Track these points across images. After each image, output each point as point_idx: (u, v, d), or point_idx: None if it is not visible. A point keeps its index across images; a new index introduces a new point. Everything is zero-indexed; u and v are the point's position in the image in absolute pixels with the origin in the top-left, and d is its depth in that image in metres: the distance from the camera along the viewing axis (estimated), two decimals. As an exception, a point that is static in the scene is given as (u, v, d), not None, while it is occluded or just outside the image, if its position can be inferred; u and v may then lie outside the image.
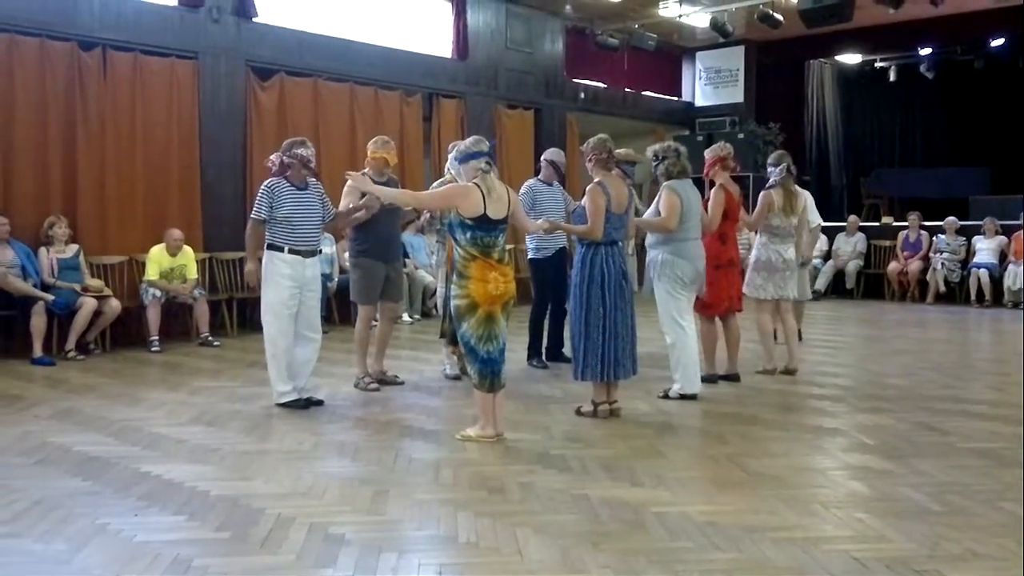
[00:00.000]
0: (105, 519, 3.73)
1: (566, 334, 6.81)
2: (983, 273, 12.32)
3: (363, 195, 6.18)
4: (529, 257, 7.55)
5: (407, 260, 10.54)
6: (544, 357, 7.51)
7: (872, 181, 17.77)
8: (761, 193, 6.98)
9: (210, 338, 8.73)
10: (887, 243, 13.73)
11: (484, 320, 4.85)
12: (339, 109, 10.88)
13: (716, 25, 12.96)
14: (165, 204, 9.33)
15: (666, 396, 6.12)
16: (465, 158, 4.99)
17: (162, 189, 9.32)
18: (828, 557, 3.31)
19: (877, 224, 14.67)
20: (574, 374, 5.57)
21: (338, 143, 10.72)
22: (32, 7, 8.35)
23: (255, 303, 8.61)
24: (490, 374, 4.92)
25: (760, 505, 3.91)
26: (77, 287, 8.01)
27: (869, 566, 3.23)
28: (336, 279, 9.86)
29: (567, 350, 6.85)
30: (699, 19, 13.85)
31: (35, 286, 7.79)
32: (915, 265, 13.09)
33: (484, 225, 4.82)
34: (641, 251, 6.86)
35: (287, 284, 5.73)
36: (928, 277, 12.91)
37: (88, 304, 7.92)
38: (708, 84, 16.62)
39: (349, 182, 6.30)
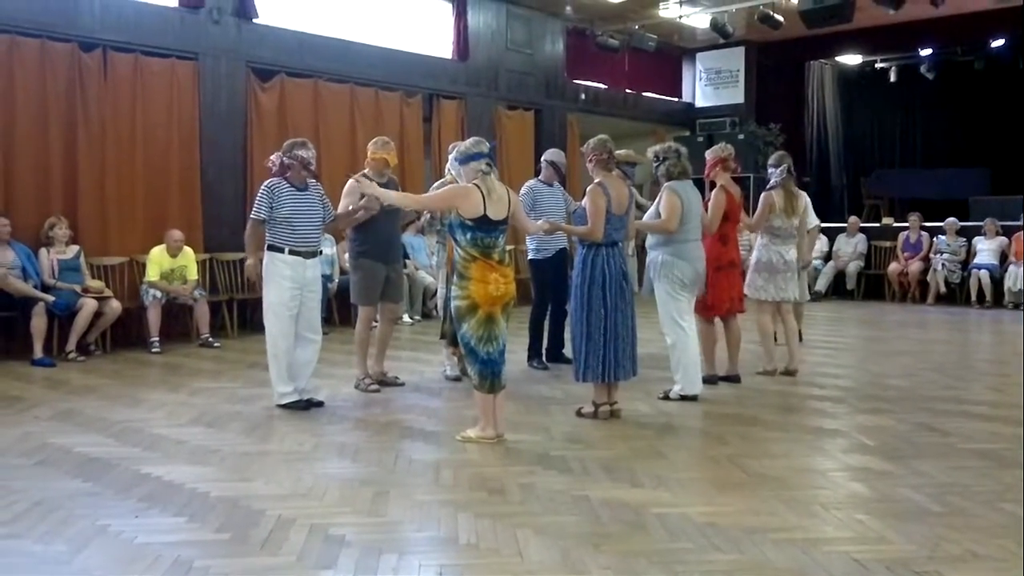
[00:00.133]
0: (105, 520, 3.73)
1: (566, 335, 6.81)
2: (983, 274, 12.31)
3: (362, 196, 6.18)
4: (529, 258, 7.55)
5: (407, 261, 10.54)
6: (544, 358, 7.51)
7: (872, 182, 17.77)
8: (762, 194, 6.97)
9: (210, 339, 8.73)
10: (887, 244, 13.73)
11: (484, 321, 4.86)
12: (339, 110, 10.88)
13: (716, 26, 12.96)
14: (165, 205, 9.33)
15: (666, 397, 6.12)
16: (465, 159, 4.99)
17: (162, 190, 9.32)
18: (828, 558, 3.31)
19: (877, 225, 14.67)
20: (575, 375, 5.57)
21: (338, 144, 10.72)
22: (33, 8, 8.35)
23: (255, 304, 8.67)
24: (490, 375, 4.92)
25: (760, 506, 3.91)
26: (78, 288, 8.01)
27: (869, 567, 3.23)
28: (337, 280, 9.86)
29: (567, 351, 6.85)
30: (699, 20, 13.85)
31: (35, 287, 7.79)
32: (916, 266, 13.08)
33: (484, 226, 4.82)
34: (641, 252, 6.86)
35: (288, 285, 5.73)
36: (929, 278, 12.91)
37: (88, 305, 7.92)
38: (708, 85, 16.62)
39: (349, 183, 6.33)
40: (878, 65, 17.53)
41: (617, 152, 5.71)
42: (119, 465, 4.56)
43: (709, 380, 6.48)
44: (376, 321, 6.76)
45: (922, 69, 16.69)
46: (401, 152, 10.37)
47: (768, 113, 15.99)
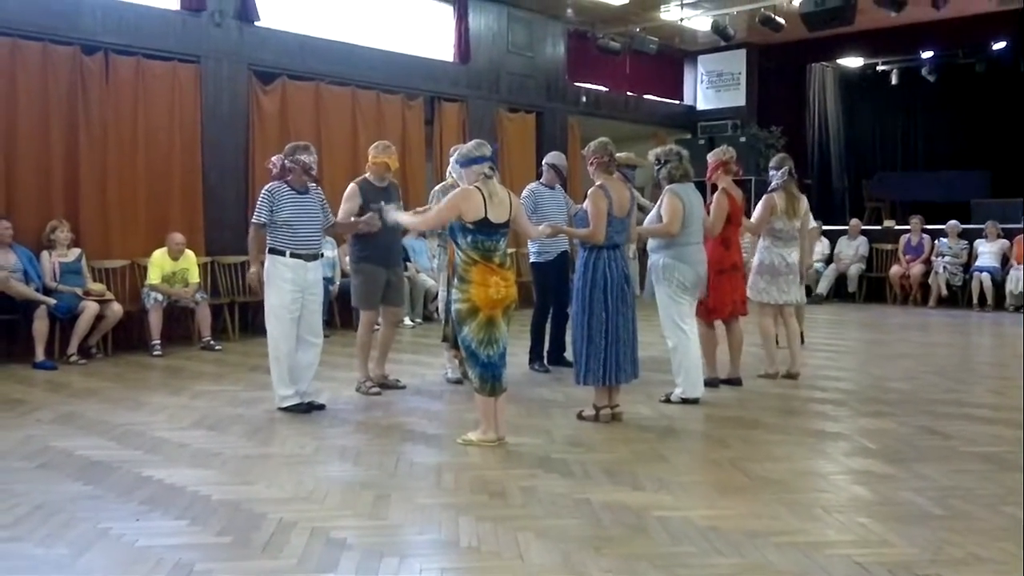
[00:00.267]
0: (107, 523, 3.73)
1: (568, 338, 6.80)
2: (985, 277, 12.31)
3: (362, 208, 6.20)
4: (531, 261, 7.55)
5: (408, 264, 10.54)
6: (546, 361, 7.51)
7: (874, 184, 17.76)
8: (763, 196, 6.97)
9: (212, 342, 8.73)
10: (889, 247, 13.72)
11: (485, 324, 4.86)
12: (341, 113, 10.89)
13: (717, 29, 12.96)
14: (167, 208, 9.34)
15: (668, 400, 6.12)
16: (467, 162, 4.99)
17: (164, 193, 9.33)
18: (830, 561, 3.31)
19: (879, 227, 14.66)
20: (576, 378, 5.57)
21: (340, 147, 10.73)
22: (35, 11, 8.36)
23: (257, 307, 8.68)
24: (491, 378, 4.92)
25: (762, 509, 3.91)
26: (79, 291, 8.01)
27: (871, 570, 3.22)
28: (338, 283, 9.86)
29: (568, 354, 6.85)
30: (700, 23, 13.85)
31: (37, 290, 7.79)
32: (917, 269, 13.08)
33: (485, 229, 4.82)
34: (643, 255, 6.86)
35: (289, 288, 5.74)
36: (930, 281, 12.90)
37: (90, 308, 7.93)
38: (710, 87, 16.63)
39: (350, 187, 6.34)
40: (879, 67, 17.52)
41: (618, 155, 5.71)
42: (120, 468, 4.57)
43: (710, 383, 6.47)
44: (378, 325, 6.77)
45: (923, 71, 16.68)
46: (403, 155, 10.37)
47: (769, 116, 16.00)
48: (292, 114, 10.33)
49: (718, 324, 6.77)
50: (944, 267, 12.75)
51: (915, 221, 13.40)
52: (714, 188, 6.78)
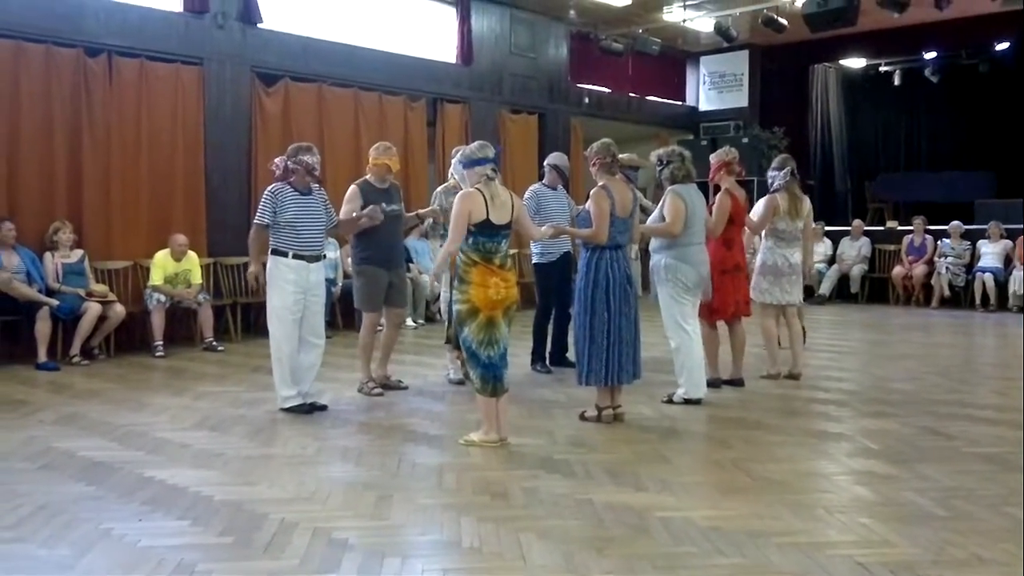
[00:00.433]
0: (109, 524, 3.74)
1: (570, 339, 6.80)
2: (988, 277, 12.29)
3: (364, 204, 6.21)
4: (534, 262, 7.56)
5: (411, 265, 10.54)
6: (548, 362, 7.51)
7: (877, 185, 17.75)
8: (766, 197, 6.96)
9: (214, 343, 8.74)
10: (892, 247, 13.70)
11: (485, 325, 4.86)
12: (343, 114, 10.89)
13: (720, 30, 12.96)
14: (170, 209, 9.34)
15: (670, 401, 6.12)
16: (470, 163, 4.99)
17: (167, 194, 9.34)
18: (832, 562, 3.31)
19: (882, 228, 14.65)
20: (578, 379, 5.57)
21: (343, 148, 10.73)
22: (38, 14, 8.37)
23: (259, 308, 8.67)
24: (492, 379, 4.92)
25: (764, 510, 3.91)
26: (82, 292, 8.02)
27: (873, 571, 3.22)
28: (340, 284, 9.86)
29: (570, 355, 6.85)
30: (703, 24, 13.84)
31: (40, 291, 7.80)
32: (920, 269, 13.06)
33: (487, 231, 4.83)
34: (645, 255, 6.86)
35: (291, 289, 5.75)
36: (933, 281, 12.88)
37: (93, 309, 7.94)
38: (712, 88, 16.62)
39: (351, 188, 6.35)
40: (882, 68, 17.52)
41: (620, 156, 5.71)
42: (123, 469, 4.57)
43: (713, 384, 6.47)
44: (381, 325, 6.77)
45: (926, 72, 16.67)
46: (405, 157, 10.40)
47: (772, 117, 15.98)
48: (295, 116, 10.34)
49: (720, 325, 6.76)
50: (947, 268, 12.73)
51: (918, 222, 13.39)
52: (717, 189, 6.78)
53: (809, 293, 11.89)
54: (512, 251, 5.47)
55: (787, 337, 7.25)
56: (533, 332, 7.54)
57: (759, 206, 7.03)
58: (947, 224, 13.11)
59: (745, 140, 14.77)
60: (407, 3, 11.95)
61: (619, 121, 15.12)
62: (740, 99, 16.26)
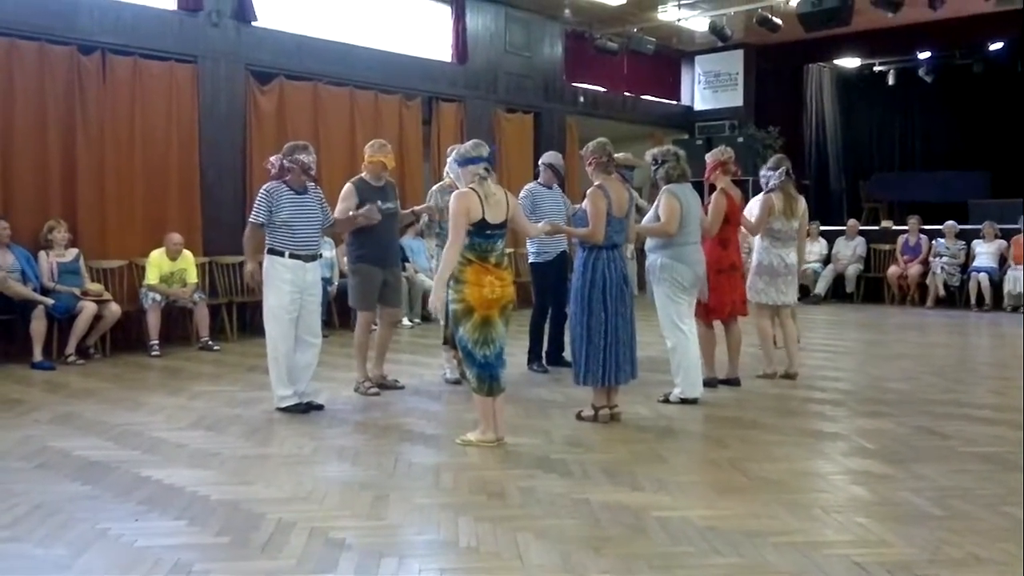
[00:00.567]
0: (105, 524, 3.73)
1: (566, 338, 6.81)
2: (983, 277, 12.32)
3: (360, 202, 6.20)
4: (530, 261, 7.55)
5: (407, 264, 10.54)
6: (544, 361, 7.51)
7: (871, 185, 17.79)
8: (761, 197, 6.97)
9: (210, 342, 8.72)
10: (887, 247, 13.73)
11: (480, 324, 4.85)
12: (339, 113, 10.88)
13: (715, 29, 12.98)
14: (165, 208, 9.33)
15: (667, 400, 6.12)
16: (464, 162, 4.99)
17: (162, 193, 9.32)
18: (829, 561, 3.31)
19: (877, 228, 14.68)
20: (574, 378, 5.57)
21: (338, 147, 10.72)
22: (31, 11, 8.35)
23: (255, 307, 8.66)
24: (488, 378, 4.92)
25: (761, 509, 3.91)
26: (77, 291, 8.00)
27: (870, 570, 3.23)
28: (336, 283, 9.85)
29: (567, 354, 6.85)
30: (698, 23, 13.86)
31: (35, 290, 7.78)
32: (915, 269, 13.09)
33: (482, 230, 4.82)
34: (641, 255, 6.86)
35: (288, 288, 5.74)
36: (928, 281, 12.91)
37: (88, 308, 7.91)
38: (707, 88, 16.64)
39: (346, 187, 6.35)
40: (877, 68, 17.56)
41: (616, 155, 5.72)
42: (119, 468, 4.56)
43: (709, 383, 6.47)
44: (376, 325, 6.76)
45: (921, 72, 16.72)
46: (400, 155, 10.40)
47: (767, 116, 16.01)
48: (290, 114, 10.33)
49: (716, 324, 6.77)
50: (942, 267, 12.77)
51: (913, 221, 13.42)
52: (712, 188, 6.78)
53: (804, 293, 11.94)
54: (508, 250, 5.46)
55: (783, 337, 7.27)
56: (529, 331, 7.54)
57: (754, 206, 7.04)
58: (942, 224, 13.14)
59: (740, 139, 14.79)
60: (402, 1, 11.94)
61: (614, 120, 15.12)
62: (735, 98, 16.28)
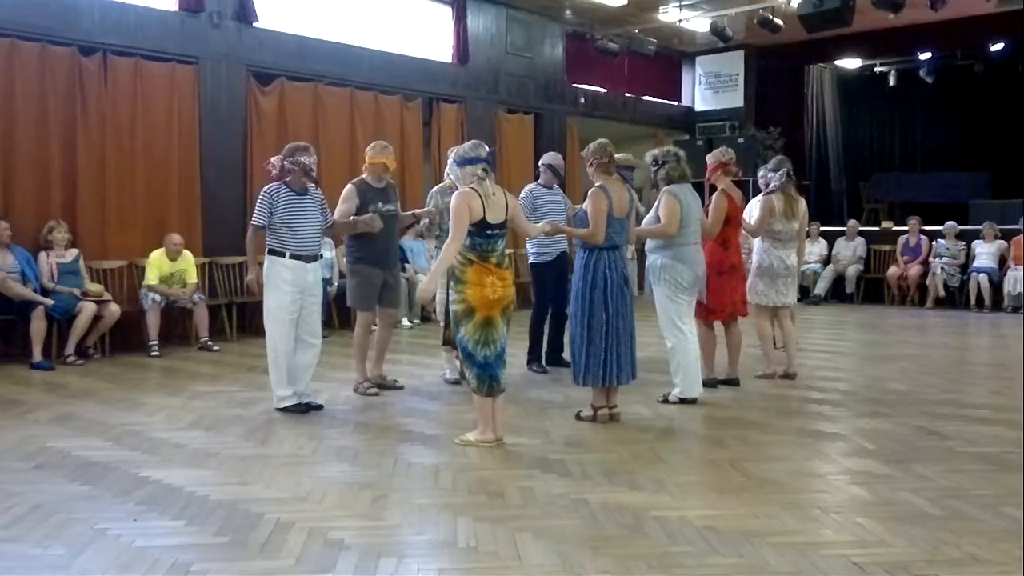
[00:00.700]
0: (104, 524, 3.73)
1: (566, 339, 6.80)
2: (983, 278, 12.31)
3: (360, 209, 6.20)
4: (530, 262, 7.55)
5: (407, 265, 10.54)
6: (544, 362, 7.51)
7: (872, 185, 17.78)
8: (761, 198, 6.97)
9: (210, 343, 8.72)
10: (887, 247, 13.73)
11: (481, 325, 4.85)
12: (339, 114, 10.88)
13: (716, 30, 12.97)
14: (165, 209, 9.33)
15: (666, 401, 6.12)
16: (463, 162, 4.99)
17: (162, 194, 9.32)
18: (828, 562, 3.31)
19: (877, 228, 14.67)
20: (574, 379, 5.57)
21: (338, 148, 10.72)
22: (33, 12, 8.35)
23: (255, 308, 8.67)
24: (488, 379, 4.92)
25: (760, 510, 3.91)
26: (77, 292, 8.00)
27: (869, 570, 3.23)
28: (336, 284, 9.85)
29: (566, 355, 6.85)
30: (699, 24, 13.85)
31: (35, 291, 7.78)
32: (915, 269, 13.09)
33: (483, 230, 4.82)
34: (641, 255, 6.86)
35: (288, 289, 5.74)
36: (928, 282, 12.91)
37: (87, 309, 7.92)
38: (708, 89, 16.63)
39: (347, 188, 6.35)
40: (877, 69, 17.56)
41: (616, 156, 5.72)
42: (118, 468, 4.56)
43: (708, 384, 6.47)
44: (375, 325, 6.76)
45: (921, 73, 16.69)
46: (401, 156, 10.38)
47: (768, 117, 16.01)
48: (290, 115, 10.33)
49: (716, 325, 6.77)
50: (942, 268, 12.76)
51: (913, 222, 13.41)
52: (713, 189, 6.78)
53: (804, 293, 11.94)
54: (508, 251, 5.46)
55: (782, 337, 7.27)
56: (529, 332, 7.53)
57: (754, 208, 7.03)
58: (942, 224, 13.13)
59: (741, 140, 14.78)
60: (403, 2, 11.95)
61: (615, 121, 15.12)
62: (736, 99, 16.27)
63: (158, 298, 8.52)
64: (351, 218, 6.23)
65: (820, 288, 13.57)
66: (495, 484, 4.29)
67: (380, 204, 6.29)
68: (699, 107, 16.73)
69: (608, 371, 5.42)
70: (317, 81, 10.64)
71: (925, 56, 16.27)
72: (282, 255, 5.76)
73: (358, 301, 6.57)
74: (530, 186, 7.59)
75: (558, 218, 7.00)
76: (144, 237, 9.06)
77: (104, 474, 4.47)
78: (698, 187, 6.44)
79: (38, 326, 7.61)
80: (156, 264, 8.62)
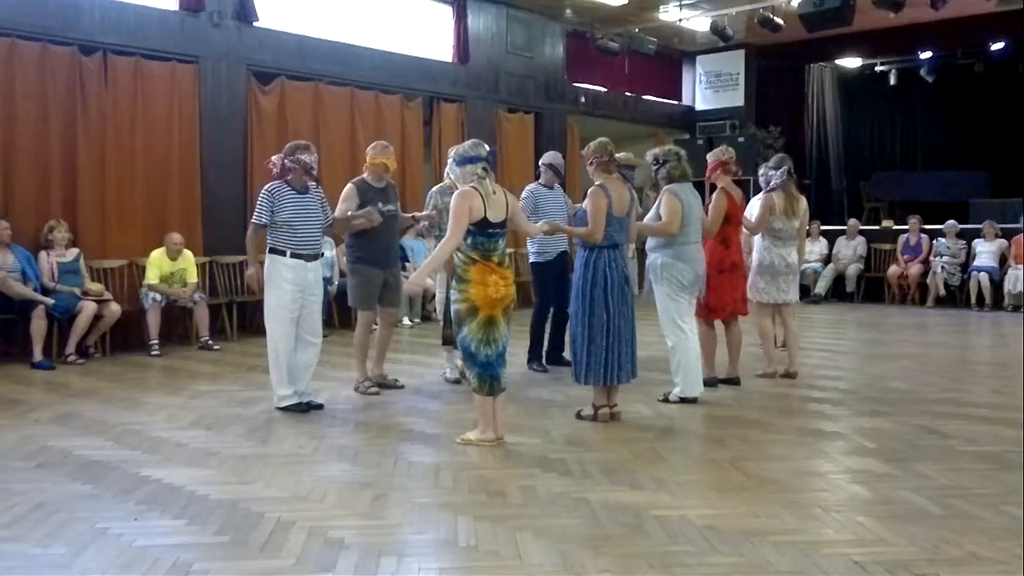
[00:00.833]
0: (105, 523, 3.73)
1: (566, 338, 6.80)
2: (983, 276, 12.31)
3: (361, 203, 6.20)
4: (531, 261, 7.55)
5: (407, 264, 10.54)
6: (544, 360, 7.51)
7: (872, 185, 17.78)
8: (761, 196, 6.97)
9: (210, 342, 8.73)
10: (887, 246, 13.72)
11: (484, 324, 4.85)
12: (340, 113, 10.88)
13: (716, 29, 12.97)
14: (165, 208, 9.33)
15: (666, 400, 6.12)
16: (463, 161, 4.99)
17: (162, 193, 9.32)
18: (828, 561, 3.31)
19: (877, 227, 14.67)
20: (575, 378, 5.56)
21: (339, 147, 10.72)
22: (33, 11, 8.35)
23: (255, 307, 8.68)
24: (489, 378, 4.91)
25: (760, 509, 3.91)
26: (77, 291, 8.00)
27: (869, 570, 3.23)
28: (336, 283, 9.85)
29: (567, 354, 6.85)
30: (699, 23, 13.85)
31: (35, 290, 7.78)
32: (915, 268, 13.08)
33: (484, 229, 4.82)
34: (641, 254, 6.86)
35: (289, 288, 5.74)
36: (928, 280, 12.90)
37: (88, 308, 7.92)
38: (708, 88, 16.63)
39: (347, 188, 6.35)
40: (878, 68, 17.55)
41: (617, 155, 5.72)
42: (119, 468, 4.56)
43: (709, 383, 6.47)
44: (376, 324, 6.76)
45: (922, 72, 16.69)
46: (401, 155, 10.38)
47: (768, 116, 16.01)
48: (291, 114, 10.32)
49: (717, 323, 6.77)
50: (942, 267, 12.76)
51: (913, 221, 13.41)
52: (713, 188, 6.78)
53: (805, 292, 11.93)
54: (509, 250, 5.46)
55: (784, 336, 7.27)
56: (530, 331, 7.53)
57: (755, 206, 7.04)
58: (942, 223, 13.13)
59: (741, 139, 14.79)
60: (403, 2, 11.94)
61: (615, 120, 15.11)
62: (736, 98, 16.27)
63: (159, 297, 8.52)
64: (349, 213, 6.23)
65: (820, 287, 13.57)
66: (496, 483, 4.29)
67: (380, 204, 6.29)
68: (699, 106, 16.72)
69: (609, 370, 5.42)
70: (317, 80, 10.64)
71: (926, 55, 16.27)
72: (283, 254, 5.76)
73: (358, 301, 6.57)
74: (531, 186, 7.59)
75: (559, 217, 7.01)
76: (144, 236, 9.05)
77: (105, 473, 4.47)
78: (698, 186, 6.44)
79: (39, 325, 7.61)
80: (156, 263, 8.62)
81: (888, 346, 9.23)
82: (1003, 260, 12.42)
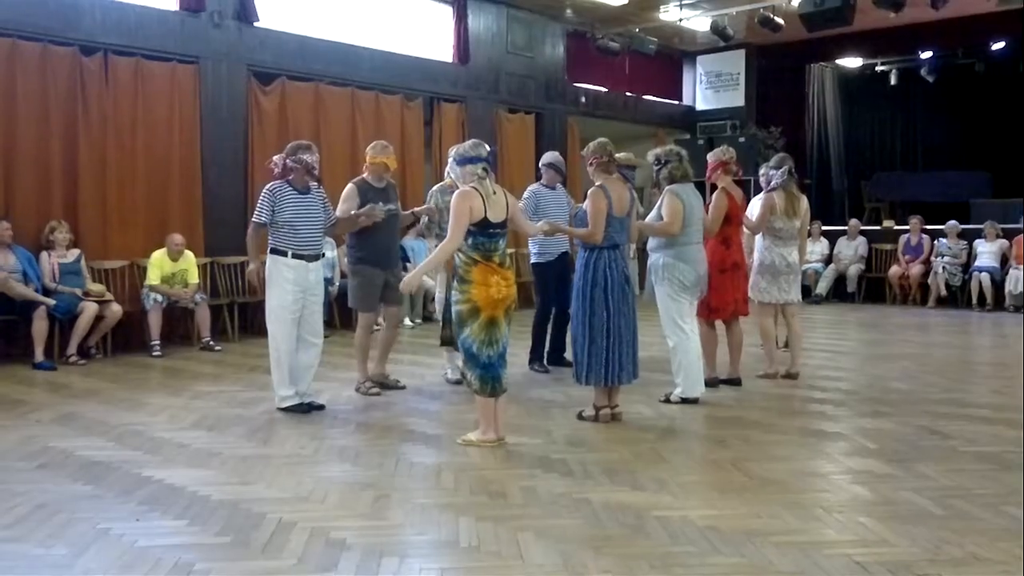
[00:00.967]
0: (106, 523, 3.73)
1: (567, 338, 6.80)
2: (984, 277, 12.30)
3: (362, 203, 6.20)
4: (532, 261, 7.55)
5: (407, 264, 10.53)
6: (545, 361, 7.51)
7: (873, 185, 17.78)
8: (762, 196, 6.97)
9: (211, 343, 8.73)
10: (888, 247, 13.72)
11: (486, 324, 4.84)
12: (340, 113, 10.88)
13: (717, 29, 12.97)
14: (166, 209, 9.33)
15: (667, 400, 6.12)
16: (463, 161, 4.99)
17: (163, 194, 9.32)
18: (830, 561, 3.31)
19: (878, 228, 14.66)
20: (576, 378, 5.56)
21: (339, 147, 10.71)
22: (34, 12, 8.35)
23: (256, 307, 8.68)
24: (491, 379, 4.91)
25: (762, 509, 3.91)
26: (78, 292, 8.01)
27: (871, 570, 3.23)
28: (337, 283, 9.85)
29: (568, 354, 6.84)
30: (700, 23, 13.85)
31: (36, 291, 7.79)
32: (916, 269, 13.08)
33: (485, 229, 4.82)
34: (642, 254, 6.86)
35: (290, 288, 5.74)
36: (929, 281, 12.90)
37: (89, 309, 7.92)
38: (709, 88, 16.63)
39: (347, 187, 6.35)
40: (879, 68, 17.55)
41: (617, 155, 5.71)
42: (120, 468, 4.56)
43: (710, 383, 6.46)
44: (378, 325, 6.76)
45: (922, 72, 16.68)
46: (401, 156, 10.38)
47: (768, 116, 16.01)
48: (291, 115, 10.33)
49: (718, 324, 6.76)
50: (943, 267, 12.75)
51: (914, 221, 13.41)
52: (714, 188, 6.78)
53: (806, 293, 11.92)
54: (509, 250, 5.46)
55: (787, 336, 7.26)
56: (532, 332, 7.53)
57: (755, 206, 7.04)
58: (943, 224, 13.12)
59: (741, 139, 14.79)
60: (404, 2, 11.95)
61: (616, 120, 15.12)
62: (736, 98, 16.27)
63: (160, 298, 8.52)
64: (351, 212, 6.23)
65: (821, 287, 13.57)
66: (497, 484, 4.29)
67: (381, 204, 6.29)
68: (700, 106, 16.73)
69: (610, 370, 5.42)
70: (318, 81, 10.64)
71: (926, 55, 16.26)
72: (284, 254, 5.76)
73: (359, 302, 6.57)
74: (533, 186, 7.59)
75: (561, 218, 6.99)
76: (145, 237, 9.06)
77: (106, 474, 4.47)
78: (699, 186, 6.44)
79: (40, 326, 7.62)
80: (158, 264, 8.62)
81: (889, 346, 9.23)
82: (1004, 260, 12.42)
